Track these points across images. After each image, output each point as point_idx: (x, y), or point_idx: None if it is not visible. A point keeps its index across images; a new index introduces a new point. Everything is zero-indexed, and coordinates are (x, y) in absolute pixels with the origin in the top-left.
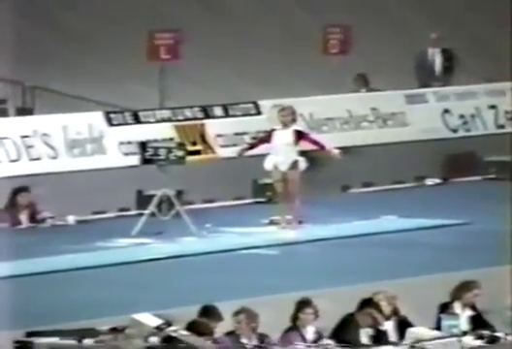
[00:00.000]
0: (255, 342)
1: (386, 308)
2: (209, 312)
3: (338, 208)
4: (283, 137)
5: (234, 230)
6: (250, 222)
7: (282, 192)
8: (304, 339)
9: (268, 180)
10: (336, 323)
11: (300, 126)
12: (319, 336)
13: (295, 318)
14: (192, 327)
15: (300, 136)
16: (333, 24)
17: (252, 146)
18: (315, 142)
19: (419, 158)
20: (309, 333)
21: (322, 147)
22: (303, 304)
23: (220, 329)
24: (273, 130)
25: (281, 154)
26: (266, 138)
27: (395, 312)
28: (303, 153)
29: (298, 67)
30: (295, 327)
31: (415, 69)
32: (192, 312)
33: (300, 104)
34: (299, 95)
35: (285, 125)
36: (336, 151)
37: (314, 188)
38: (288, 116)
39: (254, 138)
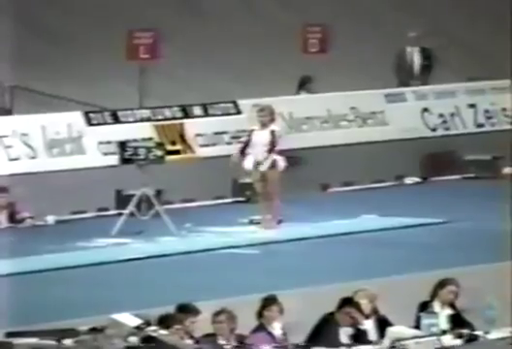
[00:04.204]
0: (234, 343)
1: (366, 307)
2: (185, 308)
3: (318, 208)
4: (262, 137)
5: (213, 229)
6: (230, 221)
7: (262, 191)
8: (272, 336)
9: (247, 180)
10: (315, 322)
11: (279, 125)
12: (285, 332)
13: (260, 316)
14: (163, 321)
15: None
16: (312, 23)
17: (242, 151)
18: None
19: (398, 157)
20: (276, 328)
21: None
22: (267, 302)
23: (199, 326)
24: (253, 130)
25: (260, 154)
26: (249, 140)
27: (374, 311)
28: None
29: (277, 66)
30: (261, 325)
31: (394, 68)
32: (172, 312)
33: (279, 103)
34: (278, 94)
35: (264, 125)
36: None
37: (294, 187)
38: (267, 116)
39: (234, 137)
